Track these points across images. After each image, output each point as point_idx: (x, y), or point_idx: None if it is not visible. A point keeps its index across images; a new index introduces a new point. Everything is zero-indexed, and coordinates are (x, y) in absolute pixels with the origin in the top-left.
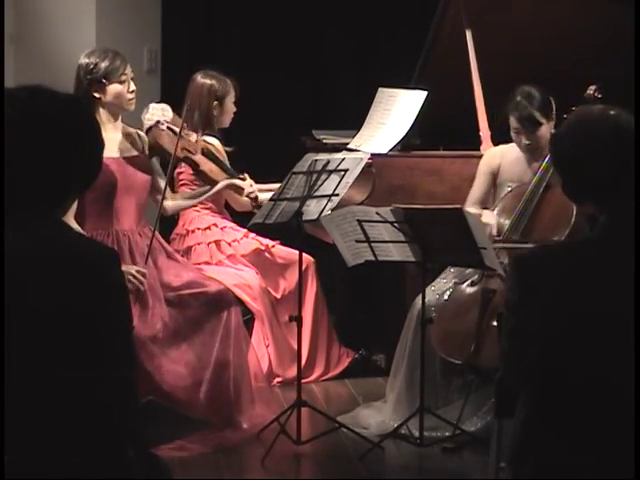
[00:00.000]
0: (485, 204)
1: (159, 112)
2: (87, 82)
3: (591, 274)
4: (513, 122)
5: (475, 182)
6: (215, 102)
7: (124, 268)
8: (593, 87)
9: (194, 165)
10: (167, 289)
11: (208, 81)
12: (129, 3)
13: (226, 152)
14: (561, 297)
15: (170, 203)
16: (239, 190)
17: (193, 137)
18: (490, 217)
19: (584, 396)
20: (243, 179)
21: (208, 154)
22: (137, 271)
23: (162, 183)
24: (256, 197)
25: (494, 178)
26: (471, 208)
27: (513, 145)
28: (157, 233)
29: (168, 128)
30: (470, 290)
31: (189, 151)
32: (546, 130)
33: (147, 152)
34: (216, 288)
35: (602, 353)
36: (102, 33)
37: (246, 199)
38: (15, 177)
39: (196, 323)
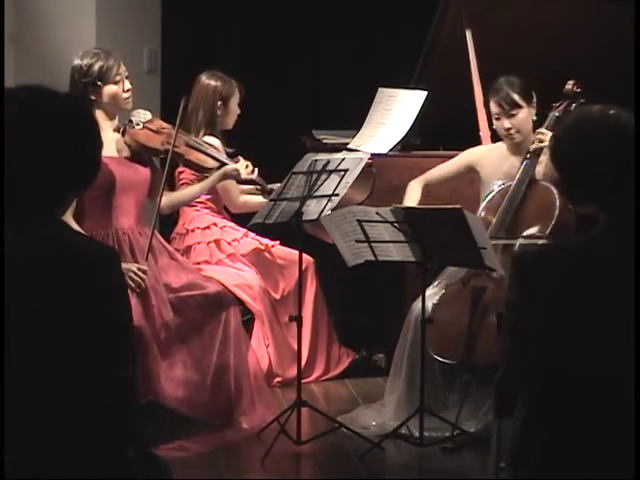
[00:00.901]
0: (434, 187)
1: (135, 114)
2: (82, 85)
3: (591, 273)
4: (494, 107)
5: (444, 164)
6: (219, 102)
7: (124, 266)
8: (571, 82)
9: (179, 157)
10: (167, 290)
11: (213, 82)
12: (129, 3)
13: (227, 153)
14: (561, 296)
15: (165, 200)
16: (237, 174)
17: (171, 133)
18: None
19: (584, 396)
20: (236, 162)
21: (192, 146)
22: (138, 268)
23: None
24: (254, 179)
25: (468, 172)
26: (418, 183)
27: (497, 145)
28: (157, 233)
29: (145, 127)
30: (460, 290)
31: (172, 144)
32: (526, 115)
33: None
34: (215, 289)
35: (602, 352)
36: (102, 33)
37: (242, 199)
38: (15, 177)
39: (195, 326)
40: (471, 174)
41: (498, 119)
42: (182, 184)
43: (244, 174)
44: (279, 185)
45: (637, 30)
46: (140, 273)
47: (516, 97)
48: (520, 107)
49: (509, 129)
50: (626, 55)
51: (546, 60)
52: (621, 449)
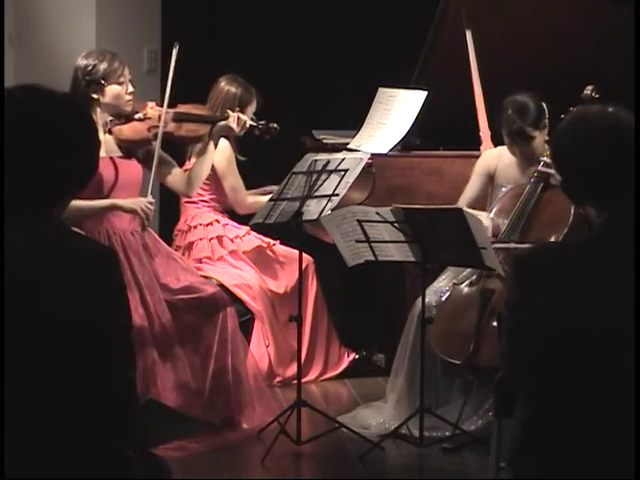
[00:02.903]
0: (479, 205)
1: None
2: (85, 83)
3: (591, 274)
4: (506, 138)
5: (470, 182)
6: (237, 109)
7: (133, 201)
8: (590, 87)
9: (170, 136)
10: (166, 291)
11: (234, 88)
12: (129, 3)
13: (238, 160)
14: (561, 297)
15: (182, 182)
16: (230, 131)
17: (156, 114)
18: (485, 219)
19: (584, 396)
20: (226, 118)
21: (179, 118)
22: (148, 202)
23: (167, 164)
24: (251, 125)
25: (490, 179)
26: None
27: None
28: (154, 232)
29: (130, 119)
30: (468, 290)
31: (158, 127)
32: (539, 141)
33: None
34: (210, 292)
35: (602, 353)
36: (102, 33)
37: (251, 200)
38: (13, 177)
39: (192, 329)
40: (492, 179)
41: (511, 147)
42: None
43: (237, 128)
44: (279, 185)
45: (637, 30)
46: (150, 205)
47: (529, 130)
48: (533, 138)
49: (523, 155)
50: (626, 55)
51: (546, 60)
52: (621, 449)
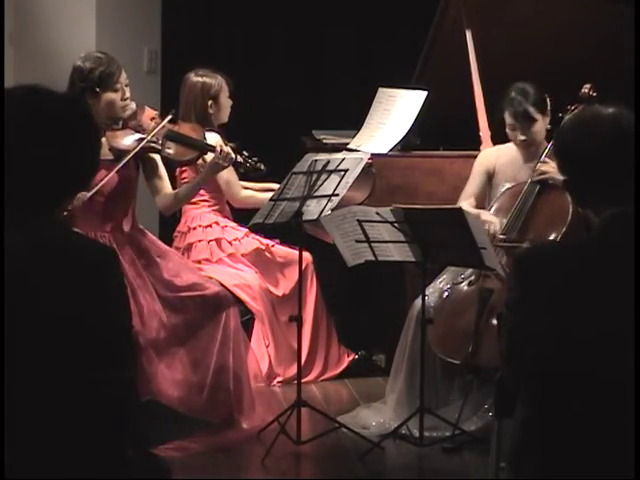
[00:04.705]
0: (479, 203)
1: None
2: (80, 88)
3: (592, 273)
4: (508, 118)
5: (469, 180)
6: (210, 101)
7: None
8: (588, 86)
9: (157, 153)
10: (168, 288)
11: (200, 80)
12: (129, 3)
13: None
14: (562, 296)
15: (164, 201)
16: (220, 167)
17: (151, 126)
18: (489, 216)
19: (584, 395)
20: (213, 149)
21: (171, 137)
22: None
23: (158, 181)
24: (231, 157)
25: (489, 178)
26: (464, 205)
27: (508, 145)
28: (151, 235)
29: (127, 126)
30: (467, 290)
31: (148, 141)
32: (541, 126)
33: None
34: (214, 290)
35: (602, 352)
36: (102, 33)
37: (245, 194)
38: (13, 176)
39: (194, 326)
40: (491, 178)
41: (512, 130)
42: (184, 184)
43: (227, 161)
44: (279, 185)
45: (637, 30)
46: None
47: (532, 110)
48: (535, 120)
49: (524, 140)
50: (626, 55)
51: (546, 60)
52: (621, 449)
